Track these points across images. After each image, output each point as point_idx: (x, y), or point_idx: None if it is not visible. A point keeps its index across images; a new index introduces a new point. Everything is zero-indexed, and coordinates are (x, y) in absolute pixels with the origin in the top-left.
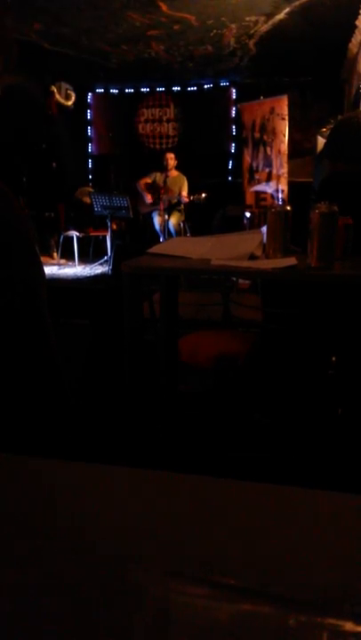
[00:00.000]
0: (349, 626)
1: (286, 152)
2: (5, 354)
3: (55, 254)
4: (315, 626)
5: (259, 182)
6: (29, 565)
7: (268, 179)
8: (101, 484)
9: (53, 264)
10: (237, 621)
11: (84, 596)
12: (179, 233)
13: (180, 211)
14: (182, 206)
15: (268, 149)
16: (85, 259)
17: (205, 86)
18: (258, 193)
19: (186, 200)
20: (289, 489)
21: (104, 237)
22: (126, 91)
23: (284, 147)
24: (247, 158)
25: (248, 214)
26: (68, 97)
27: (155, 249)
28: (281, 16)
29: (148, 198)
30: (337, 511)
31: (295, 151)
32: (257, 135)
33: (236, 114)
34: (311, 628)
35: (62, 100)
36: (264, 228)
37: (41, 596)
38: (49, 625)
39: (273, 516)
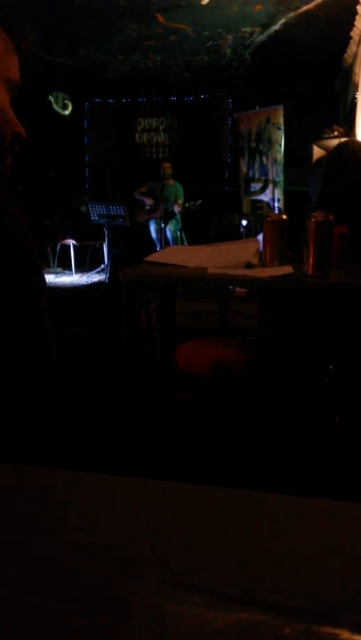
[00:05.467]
0: (346, 634)
1: (282, 161)
2: (6, 363)
3: (52, 263)
4: (312, 634)
5: (255, 192)
6: (26, 572)
7: (264, 187)
8: (98, 493)
9: (50, 272)
10: (234, 630)
11: (80, 605)
12: (176, 241)
13: (177, 219)
14: (179, 215)
15: (264, 158)
16: (82, 267)
17: (202, 96)
18: (254, 202)
19: (178, 209)
20: (286, 497)
21: (101, 246)
22: (123, 100)
23: (280, 156)
24: (243, 167)
25: (245, 222)
26: (65, 106)
27: (152, 257)
28: (277, 27)
29: (149, 200)
30: (335, 519)
31: (291, 160)
32: (253, 144)
33: (232, 123)
34: (308, 637)
35: (59, 110)
36: (260, 237)
37: (38, 602)
38: (45, 633)
39: (270, 525)
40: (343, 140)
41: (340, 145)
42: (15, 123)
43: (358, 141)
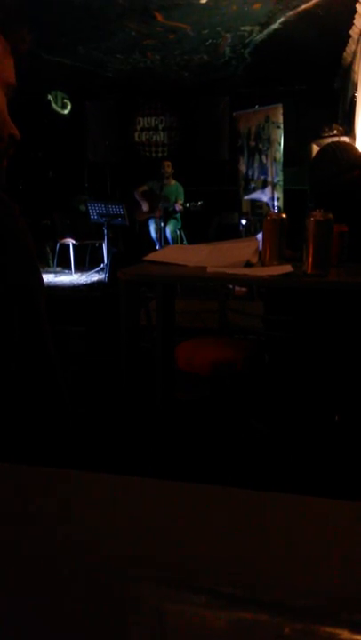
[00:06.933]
0: (346, 634)
1: (282, 160)
2: (4, 363)
3: (51, 262)
4: (311, 634)
5: (255, 190)
6: (26, 572)
7: (264, 186)
8: (98, 493)
9: (49, 272)
10: (234, 629)
11: (80, 605)
12: (175, 240)
13: (176, 218)
14: (179, 214)
15: (264, 157)
16: (82, 266)
17: (201, 95)
18: (253, 201)
19: (180, 207)
20: (287, 496)
21: (100, 245)
22: (122, 99)
23: (280, 155)
24: (242, 166)
25: (244, 222)
26: (64, 106)
27: (151, 256)
28: (276, 26)
29: (146, 206)
30: (335, 518)
31: (290, 159)
32: (252, 143)
33: (231, 122)
34: (308, 637)
35: (58, 109)
36: (260, 236)
37: (38, 602)
38: (45, 633)
39: (270, 524)
40: (328, 142)
41: (328, 146)
42: (11, 125)
43: (344, 142)
